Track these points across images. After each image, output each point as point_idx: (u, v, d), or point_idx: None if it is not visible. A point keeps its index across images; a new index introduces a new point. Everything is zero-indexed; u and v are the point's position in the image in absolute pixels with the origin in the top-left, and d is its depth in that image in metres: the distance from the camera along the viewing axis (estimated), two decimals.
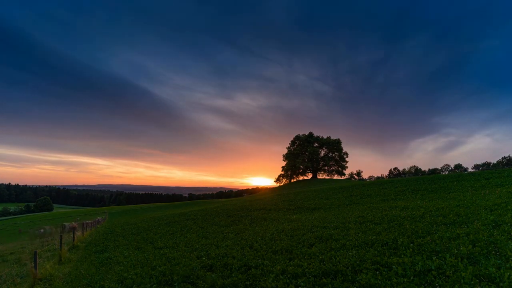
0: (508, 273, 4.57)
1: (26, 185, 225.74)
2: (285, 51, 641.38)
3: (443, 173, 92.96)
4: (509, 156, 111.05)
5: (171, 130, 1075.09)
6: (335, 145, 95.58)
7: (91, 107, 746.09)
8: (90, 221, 34.11)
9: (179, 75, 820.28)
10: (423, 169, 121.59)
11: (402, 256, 6.37)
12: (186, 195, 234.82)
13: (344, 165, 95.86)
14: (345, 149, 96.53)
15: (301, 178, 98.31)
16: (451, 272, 5.03)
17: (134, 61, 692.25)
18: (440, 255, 6.07)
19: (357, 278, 5.47)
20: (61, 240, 12.74)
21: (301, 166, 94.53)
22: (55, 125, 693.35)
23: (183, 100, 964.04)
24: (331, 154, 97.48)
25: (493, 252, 5.78)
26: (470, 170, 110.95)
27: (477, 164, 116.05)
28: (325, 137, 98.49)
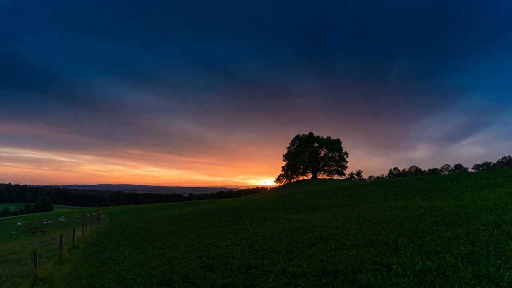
0: (508, 273, 4.57)
1: (26, 185, 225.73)
2: None
3: (443, 173, 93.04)
4: (509, 156, 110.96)
5: (87, 110, 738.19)
6: (335, 145, 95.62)
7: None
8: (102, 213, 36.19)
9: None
10: (423, 169, 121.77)
11: (402, 256, 6.37)
12: (186, 195, 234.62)
13: (344, 165, 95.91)
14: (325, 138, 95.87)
15: (301, 178, 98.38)
16: (451, 272, 5.03)
17: None
18: (440, 255, 6.06)
19: (357, 278, 5.47)
20: (61, 240, 12.74)
21: (301, 166, 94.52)
22: None
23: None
24: (331, 154, 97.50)
25: (493, 252, 5.78)
26: (470, 170, 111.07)
27: (477, 164, 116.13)
28: (325, 137, 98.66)
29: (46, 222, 48.82)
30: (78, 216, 55.42)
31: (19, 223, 52.17)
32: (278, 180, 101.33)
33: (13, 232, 38.18)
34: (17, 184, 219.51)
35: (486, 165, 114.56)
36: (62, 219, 51.25)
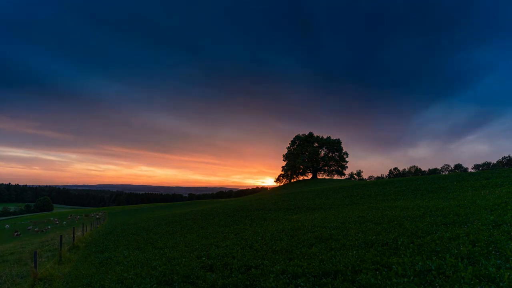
0: (508, 273, 4.57)
1: (26, 185, 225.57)
2: None
3: (443, 173, 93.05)
4: (509, 156, 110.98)
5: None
6: (335, 145, 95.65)
7: None
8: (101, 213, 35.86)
9: None
10: (423, 169, 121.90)
11: (402, 256, 6.37)
12: (186, 195, 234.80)
13: (344, 165, 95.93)
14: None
15: (301, 178, 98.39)
16: (451, 272, 5.03)
17: None
18: (440, 255, 6.07)
19: (357, 278, 5.47)
20: (61, 240, 12.74)
21: (301, 166, 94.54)
22: None
23: None
24: (331, 154, 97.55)
25: (493, 252, 5.78)
26: (470, 170, 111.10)
27: (477, 164, 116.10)
28: (325, 137, 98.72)
29: (57, 222, 49.00)
30: (78, 217, 55.28)
31: (7, 226, 51.49)
32: (278, 180, 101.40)
33: None
34: (17, 184, 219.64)
35: (486, 165, 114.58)
36: (76, 218, 51.20)
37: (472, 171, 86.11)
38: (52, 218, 55.14)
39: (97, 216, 47.05)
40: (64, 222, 48.61)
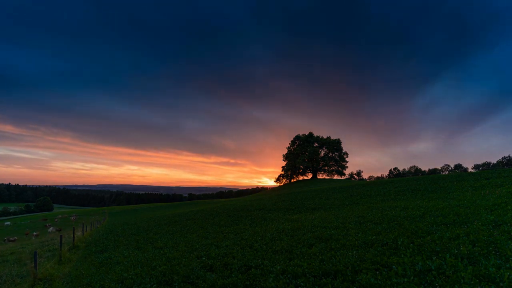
0: (508, 273, 4.57)
1: (26, 185, 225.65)
2: None
3: (443, 173, 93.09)
4: (509, 156, 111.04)
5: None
6: (335, 145, 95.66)
7: None
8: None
9: None
10: (423, 169, 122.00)
11: (402, 256, 6.37)
12: (186, 195, 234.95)
13: (344, 165, 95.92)
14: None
15: (301, 178, 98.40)
16: (451, 272, 5.03)
17: None
18: (440, 255, 6.06)
19: (357, 278, 5.47)
20: (61, 240, 12.74)
21: (301, 166, 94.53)
22: None
23: None
24: (331, 154, 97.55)
25: (493, 252, 5.78)
26: (470, 170, 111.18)
27: (477, 164, 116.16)
28: (325, 137, 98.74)
29: (73, 218, 49.47)
30: (74, 216, 55.43)
31: (7, 223, 51.57)
32: (278, 180, 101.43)
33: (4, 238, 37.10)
34: (17, 184, 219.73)
35: (486, 165, 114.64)
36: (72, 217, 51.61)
37: (472, 171, 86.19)
38: (55, 218, 55.36)
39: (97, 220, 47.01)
40: (50, 228, 47.08)
